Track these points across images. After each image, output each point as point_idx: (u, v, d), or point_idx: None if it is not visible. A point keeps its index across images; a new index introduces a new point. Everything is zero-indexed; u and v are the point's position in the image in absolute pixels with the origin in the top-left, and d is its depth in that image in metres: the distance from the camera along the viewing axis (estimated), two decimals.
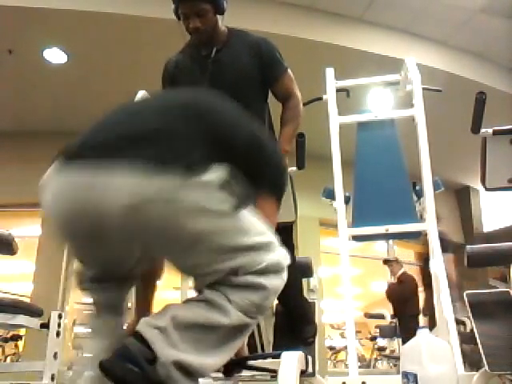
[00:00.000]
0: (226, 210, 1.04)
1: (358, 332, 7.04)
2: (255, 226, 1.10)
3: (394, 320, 5.95)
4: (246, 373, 1.60)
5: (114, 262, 1.12)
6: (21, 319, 2.65)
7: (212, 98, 1.27)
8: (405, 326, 5.51)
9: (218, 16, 1.97)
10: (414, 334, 1.81)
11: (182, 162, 1.02)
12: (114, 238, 1.02)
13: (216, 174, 1.04)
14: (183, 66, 2.08)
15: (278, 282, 1.09)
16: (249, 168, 1.12)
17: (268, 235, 1.12)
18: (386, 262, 6.33)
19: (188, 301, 1.09)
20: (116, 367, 0.93)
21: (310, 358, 1.80)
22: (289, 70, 2.10)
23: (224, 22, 2.05)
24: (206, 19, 1.92)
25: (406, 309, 5.58)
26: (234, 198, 1.05)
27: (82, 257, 1.16)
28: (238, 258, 1.04)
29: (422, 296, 5.37)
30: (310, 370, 1.87)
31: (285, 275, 1.11)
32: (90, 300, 1.21)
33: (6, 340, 6.10)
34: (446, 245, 4.82)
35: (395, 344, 6.35)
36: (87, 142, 1.09)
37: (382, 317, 6.43)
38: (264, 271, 1.06)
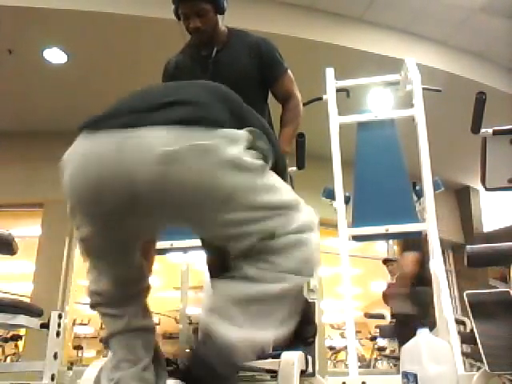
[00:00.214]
0: (258, 167, 1.04)
1: (358, 332, 7.04)
2: (283, 185, 1.10)
3: (394, 320, 5.94)
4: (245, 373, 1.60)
5: (124, 246, 1.12)
6: (21, 319, 2.64)
7: (228, 89, 1.29)
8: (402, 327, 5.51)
9: (219, 16, 1.97)
10: (413, 334, 1.81)
11: (216, 119, 1.03)
12: (142, 203, 0.99)
13: (245, 133, 1.05)
14: (183, 67, 2.08)
15: (315, 237, 1.06)
16: None
17: (295, 195, 1.11)
18: (385, 261, 6.31)
19: (231, 278, 1.05)
20: None
21: (309, 357, 1.81)
22: (289, 71, 2.09)
23: (224, 22, 2.05)
24: (207, 19, 1.92)
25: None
26: (262, 156, 1.06)
27: (94, 242, 1.11)
28: (273, 219, 1.02)
29: None
30: (310, 369, 1.87)
31: (318, 233, 1.08)
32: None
33: (6, 340, 6.11)
34: (411, 243, 4.74)
35: (395, 344, 6.34)
36: (113, 111, 1.08)
37: (382, 317, 6.42)
38: (299, 230, 1.03)
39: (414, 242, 4.88)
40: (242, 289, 1.00)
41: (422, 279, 5.35)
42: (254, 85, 2.02)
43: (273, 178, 1.08)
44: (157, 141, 0.97)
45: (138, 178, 0.96)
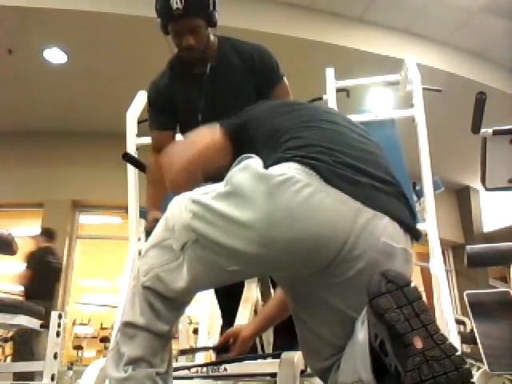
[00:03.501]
0: None
1: None
2: None
3: None
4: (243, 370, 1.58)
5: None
6: (21, 319, 2.65)
7: None
8: None
9: (210, 28, 1.88)
10: None
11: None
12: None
13: None
14: (175, 87, 1.98)
15: None
16: None
17: None
18: None
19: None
20: None
21: None
22: (284, 80, 2.02)
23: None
24: (200, 35, 1.83)
25: None
26: None
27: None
28: None
29: None
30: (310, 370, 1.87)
31: None
32: None
33: (6, 340, 6.10)
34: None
35: None
36: (358, 169, 1.08)
37: None
38: None
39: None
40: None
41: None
42: (251, 96, 1.94)
43: None
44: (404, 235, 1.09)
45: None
